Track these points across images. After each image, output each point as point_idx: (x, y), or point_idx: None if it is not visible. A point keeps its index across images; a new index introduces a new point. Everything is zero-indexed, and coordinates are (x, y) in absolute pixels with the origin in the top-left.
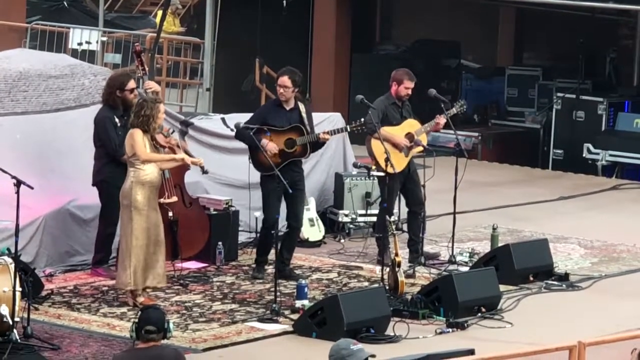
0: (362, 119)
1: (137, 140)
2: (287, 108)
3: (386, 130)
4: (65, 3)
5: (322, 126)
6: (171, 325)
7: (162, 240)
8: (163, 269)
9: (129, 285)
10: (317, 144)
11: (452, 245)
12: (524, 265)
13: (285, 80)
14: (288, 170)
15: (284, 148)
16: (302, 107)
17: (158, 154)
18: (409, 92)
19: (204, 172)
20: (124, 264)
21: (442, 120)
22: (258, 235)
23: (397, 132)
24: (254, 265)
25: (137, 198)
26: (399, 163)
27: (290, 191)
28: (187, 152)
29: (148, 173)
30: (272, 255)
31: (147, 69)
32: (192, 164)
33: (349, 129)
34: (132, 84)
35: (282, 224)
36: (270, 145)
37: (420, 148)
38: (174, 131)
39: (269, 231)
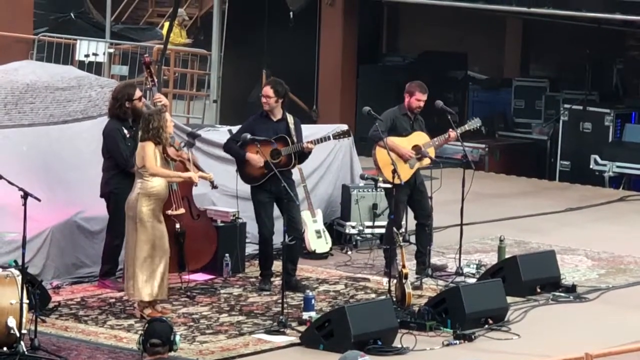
0: (346, 127)
1: (148, 153)
2: (274, 119)
3: (392, 140)
4: (72, 15)
5: None
6: (177, 338)
7: (167, 251)
8: (166, 281)
9: (133, 296)
10: (303, 155)
11: (459, 256)
12: (531, 277)
13: (267, 90)
14: (276, 180)
15: (268, 159)
16: (290, 118)
17: (168, 168)
18: (421, 104)
19: (214, 187)
20: (128, 276)
21: (452, 135)
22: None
23: (403, 143)
24: (260, 278)
25: (142, 210)
26: (403, 174)
27: (297, 202)
28: (197, 166)
29: (155, 185)
30: (278, 267)
31: (156, 80)
32: (202, 179)
33: (332, 138)
34: (138, 92)
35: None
36: (255, 158)
37: (428, 161)
38: (185, 145)
39: (267, 244)
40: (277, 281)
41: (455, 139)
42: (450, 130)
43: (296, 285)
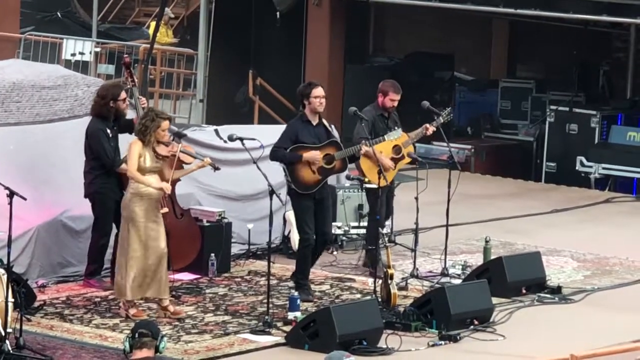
0: (398, 128)
1: (131, 153)
2: (314, 123)
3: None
4: (58, 14)
5: None
6: (164, 340)
7: (164, 252)
8: (165, 280)
9: (125, 296)
10: (354, 157)
11: (445, 257)
12: (516, 278)
13: (322, 90)
14: (322, 186)
15: (322, 165)
16: (325, 121)
17: (158, 166)
18: (395, 104)
19: (216, 168)
20: (120, 274)
21: (430, 129)
22: (297, 254)
23: (384, 146)
24: (296, 285)
25: (135, 210)
26: (387, 176)
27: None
28: (191, 155)
29: (146, 185)
30: (260, 267)
31: (136, 80)
32: (201, 168)
33: (387, 139)
34: (123, 94)
35: (275, 236)
36: (314, 154)
37: (408, 159)
38: (173, 138)
39: (309, 249)
40: (262, 281)
41: (432, 133)
42: (427, 124)
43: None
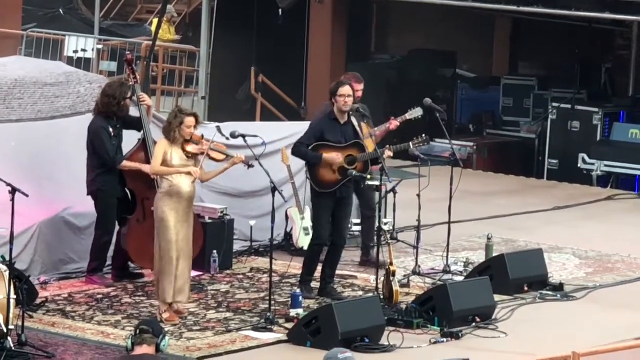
0: (424, 135)
1: (155, 151)
2: (342, 122)
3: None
4: (61, 11)
5: None
6: (166, 339)
7: (190, 254)
8: (187, 285)
9: (163, 299)
10: (376, 160)
11: (447, 255)
12: (518, 275)
13: (349, 89)
14: (342, 185)
15: (344, 165)
16: (354, 120)
17: (183, 167)
18: (359, 94)
19: (250, 166)
20: (156, 277)
21: (394, 124)
22: (307, 251)
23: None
24: (302, 284)
25: (164, 210)
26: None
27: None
28: (223, 153)
29: (175, 184)
30: (262, 264)
31: (138, 77)
32: (233, 166)
33: (412, 146)
34: (129, 92)
35: (277, 233)
36: (334, 156)
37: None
38: (202, 135)
39: (320, 247)
40: (265, 277)
41: (395, 128)
42: (392, 119)
43: (331, 293)
